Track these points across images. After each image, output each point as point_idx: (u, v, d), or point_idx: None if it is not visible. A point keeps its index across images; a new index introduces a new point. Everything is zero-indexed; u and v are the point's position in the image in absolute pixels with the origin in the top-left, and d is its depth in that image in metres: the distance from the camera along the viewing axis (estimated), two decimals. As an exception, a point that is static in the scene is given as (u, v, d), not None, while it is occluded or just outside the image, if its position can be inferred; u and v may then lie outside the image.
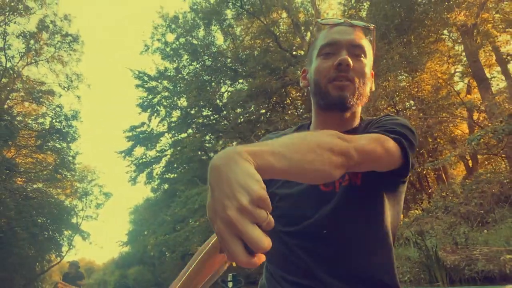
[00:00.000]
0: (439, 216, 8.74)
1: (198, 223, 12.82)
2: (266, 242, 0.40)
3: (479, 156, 12.84)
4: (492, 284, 5.71)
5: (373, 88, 0.97)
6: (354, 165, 0.67)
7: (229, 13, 17.09)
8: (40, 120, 19.22)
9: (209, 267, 0.69)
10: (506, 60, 13.56)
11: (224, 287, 5.53)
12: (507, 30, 12.33)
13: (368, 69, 0.91)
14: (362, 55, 0.90)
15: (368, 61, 0.91)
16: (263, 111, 17.77)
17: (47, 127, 18.72)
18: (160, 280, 21.26)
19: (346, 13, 14.92)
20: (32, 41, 17.57)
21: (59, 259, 27.08)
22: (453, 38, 14.24)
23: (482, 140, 8.56)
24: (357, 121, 0.96)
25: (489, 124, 9.86)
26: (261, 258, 0.42)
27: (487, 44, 13.16)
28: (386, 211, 0.87)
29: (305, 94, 15.80)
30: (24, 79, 18.33)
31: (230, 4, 15.94)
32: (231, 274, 5.84)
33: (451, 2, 12.27)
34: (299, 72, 15.90)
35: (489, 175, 8.97)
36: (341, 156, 0.63)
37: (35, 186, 20.29)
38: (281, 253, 0.89)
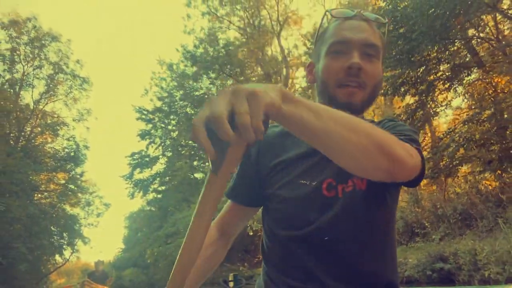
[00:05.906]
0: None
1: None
2: None
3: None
4: (493, 284, 5.89)
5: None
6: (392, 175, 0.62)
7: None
8: (57, 147, 23.17)
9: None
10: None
11: (225, 286, 5.52)
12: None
13: (380, 70, 0.86)
14: (375, 56, 0.84)
15: (380, 61, 0.87)
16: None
17: (62, 154, 22.65)
18: (153, 281, 22.93)
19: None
20: (50, 84, 21.45)
21: (63, 261, 30.82)
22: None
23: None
24: None
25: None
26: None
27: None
28: (388, 214, 0.86)
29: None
30: (44, 114, 22.21)
31: (210, 70, 20.38)
32: (232, 274, 5.88)
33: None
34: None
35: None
36: (391, 161, 0.59)
37: (48, 200, 24.11)
38: (282, 256, 0.86)
